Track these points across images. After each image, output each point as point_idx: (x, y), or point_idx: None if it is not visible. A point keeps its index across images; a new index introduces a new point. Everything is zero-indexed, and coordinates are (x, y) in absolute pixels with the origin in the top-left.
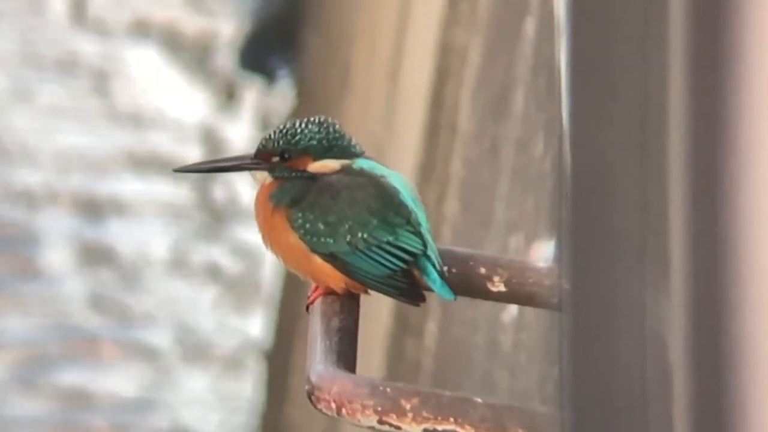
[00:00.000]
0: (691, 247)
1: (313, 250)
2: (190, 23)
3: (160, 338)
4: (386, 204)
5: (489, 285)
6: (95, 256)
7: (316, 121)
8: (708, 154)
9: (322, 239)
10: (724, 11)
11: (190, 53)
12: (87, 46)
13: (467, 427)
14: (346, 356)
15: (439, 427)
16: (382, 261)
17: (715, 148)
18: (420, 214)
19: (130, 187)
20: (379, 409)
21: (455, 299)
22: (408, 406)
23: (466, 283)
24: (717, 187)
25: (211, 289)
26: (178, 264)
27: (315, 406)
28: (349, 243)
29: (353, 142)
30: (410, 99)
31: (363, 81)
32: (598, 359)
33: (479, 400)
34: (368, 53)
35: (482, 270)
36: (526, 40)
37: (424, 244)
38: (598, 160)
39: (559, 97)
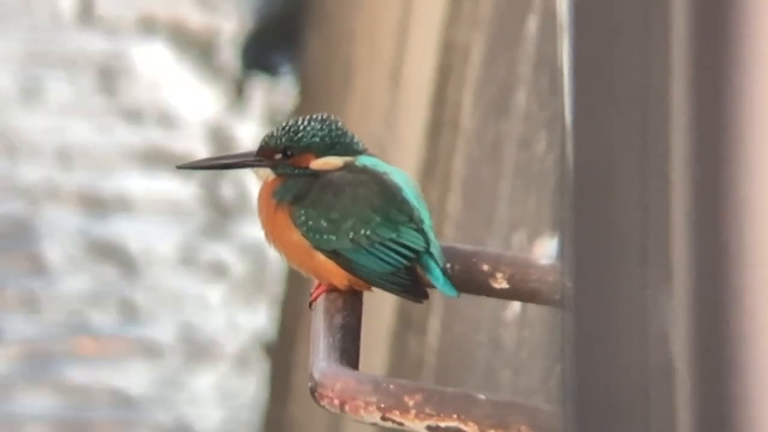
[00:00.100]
0: (693, 246)
1: (316, 247)
2: (197, 20)
3: (164, 335)
4: (389, 201)
5: (492, 282)
6: (101, 253)
7: (319, 118)
8: (710, 153)
9: (325, 236)
10: (726, 11)
11: (197, 50)
12: (94, 44)
13: (470, 423)
14: (349, 353)
15: (442, 424)
16: (385, 258)
17: (717, 147)
18: (423, 211)
19: (137, 184)
20: (382, 405)
21: (458, 296)
22: (411, 403)
23: (469, 280)
24: (719, 186)
25: (216, 287)
26: (185, 261)
27: (318, 403)
28: (351, 240)
29: (356, 139)
30: (412, 96)
31: (365, 78)
32: (600, 357)
33: (482, 396)
34: (370, 51)
35: (485, 267)
36: (529, 39)
37: (427, 241)
38: (601, 157)
39: (561, 95)
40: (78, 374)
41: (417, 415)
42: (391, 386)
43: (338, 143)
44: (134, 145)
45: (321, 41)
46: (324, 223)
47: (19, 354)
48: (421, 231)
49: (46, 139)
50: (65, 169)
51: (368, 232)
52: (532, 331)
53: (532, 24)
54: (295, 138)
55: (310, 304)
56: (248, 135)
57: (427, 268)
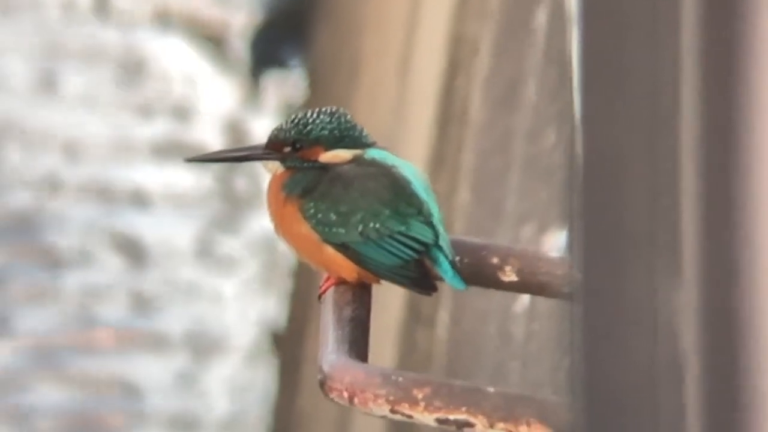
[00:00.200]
0: (703, 238)
1: (325, 240)
2: (211, 13)
3: (174, 328)
4: (398, 194)
5: (501, 275)
6: (115, 245)
7: (328, 111)
8: (720, 144)
9: (334, 229)
10: (735, 4)
11: (212, 44)
12: (109, 37)
13: (479, 416)
14: (358, 346)
15: (451, 417)
16: (394, 251)
17: (727, 138)
18: (432, 205)
19: (151, 176)
20: (391, 398)
21: (466, 289)
22: (420, 396)
23: (478, 272)
24: (729, 177)
25: (227, 280)
26: (197, 254)
27: (327, 396)
28: (360, 233)
29: (364, 132)
30: (421, 89)
31: (374, 72)
32: (609, 349)
33: (491, 389)
34: (379, 44)
35: (494, 260)
36: (538, 31)
37: (436, 235)
38: (610, 150)
39: (570, 88)
40: (89, 366)
41: (426, 408)
42: (400, 379)
43: (347, 136)
44: (148, 138)
45: (330, 34)
46: (333, 216)
47: (31, 346)
48: (430, 224)
49: (60, 132)
50: (79, 162)
51: (377, 225)
52: (541, 323)
53: (541, 17)
54: (304, 131)
55: (320, 297)
56: (263, 128)
57: (436, 261)
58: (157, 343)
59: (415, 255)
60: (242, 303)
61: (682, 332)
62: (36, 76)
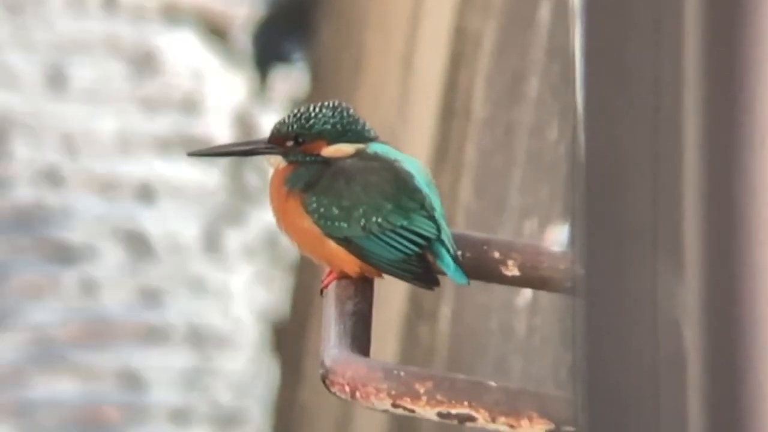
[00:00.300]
0: (705, 233)
1: (328, 235)
2: (220, 7)
3: (177, 321)
4: (400, 188)
5: (503, 269)
6: (123, 238)
7: (330, 105)
8: (722, 140)
9: (336, 224)
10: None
11: (221, 38)
12: (118, 31)
13: (481, 410)
14: (360, 340)
15: (453, 411)
16: (396, 245)
17: (730, 134)
18: (434, 199)
19: (160, 170)
20: (393, 392)
21: (468, 284)
22: (422, 390)
23: (480, 267)
24: (731, 173)
25: (229, 274)
26: (204, 248)
27: (329, 390)
28: (363, 227)
29: (367, 126)
30: (424, 84)
31: (377, 66)
32: (611, 344)
33: (493, 383)
34: (382, 38)
35: (496, 254)
36: (541, 26)
37: (438, 229)
38: (612, 145)
39: (573, 83)
40: (92, 360)
41: (428, 402)
42: (402, 373)
43: (350, 130)
44: (157, 132)
45: (333, 28)
46: (335, 211)
47: (36, 339)
48: (433, 218)
49: (70, 126)
50: (86, 156)
51: (380, 220)
52: (543, 318)
53: (544, 11)
54: (307, 125)
55: (322, 291)
56: (272, 122)
57: (438, 256)
58: (160, 336)
59: (417, 249)
60: (244, 297)
61: (683, 328)
62: (43, 70)
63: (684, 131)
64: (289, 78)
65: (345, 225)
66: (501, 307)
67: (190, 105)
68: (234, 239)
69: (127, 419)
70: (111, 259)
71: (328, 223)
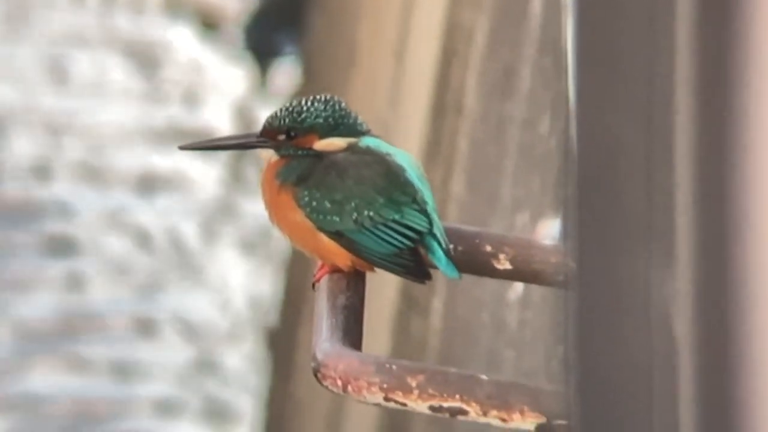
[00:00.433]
0: (697, 226)
1: (320, 228)
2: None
3: (169, 314)
4: (392, 182)
5: (495, 263)
6: (123, 230)
7: (322, 99)
8: (715, 133)
9: (329, 217)
10: None
11: (214, 30)
12: (119, 24)
13: (473, 404)
14: (352, 334)
15: (445, 404)
16: (388, 239)
17: (723, 127)
18: (426, 193)
19: (159, 163)
20: (385, 386)
21: (460, 278)
22: (414, 384)
23: (472, 260)
24: (724, 166)
25: (222, 267)
26: (202, 240)
27: (321, 384)
28: (355, 221)
29: (359, 120)
30: (416, 77)
31: (369, 59)
32: (603, 338)
33: (485, 377)
34: (374, 32)
35: (488, 248)
36: (533, 19)
37: (430, 223)
38: (605, 138)
39: (565, 76)
40: (85, 352)
41: (420, 396)
42: (394, 367)
43: (342, 124)
44: (157, 125)
45: (325, 22)
46: (327, 204)
47: (38, 332)
48: (425, 212)
49: (71, 120)
50: (87, 149)
51: (372, 213)
52: (535, 312)
53: (536, 5)
54: (299, 119)
55: (314, 285)
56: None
57: (430, 249)
58: (153, 330)
59: (409, 243)
60: (237, 291)
61: (675, 321)
62: (46, 64)
63: (676, 124)
64: (287, 71)
65: (337, 219)
66: (493, 300)
67: (190, 98)
68: (228, 232)
69: (118, 412)
70: (106, 251)
71: (320, 216)
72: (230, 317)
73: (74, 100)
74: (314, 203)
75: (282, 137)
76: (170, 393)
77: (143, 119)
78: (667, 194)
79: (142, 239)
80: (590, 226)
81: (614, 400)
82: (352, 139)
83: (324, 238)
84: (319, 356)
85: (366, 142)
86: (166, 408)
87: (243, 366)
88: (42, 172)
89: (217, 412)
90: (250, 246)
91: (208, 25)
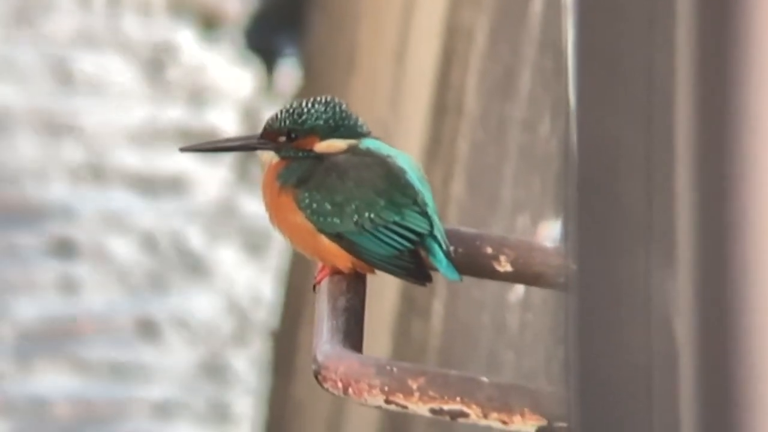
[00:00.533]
0: (698, 228)
1: (320, 230)
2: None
3: (169, 315)
4: (393, 184)
5: (496, 265)
6: (129, 230)
7: (323, 100)
8: (715, 134)
9: (329, 219)
10: None
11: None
12: (125, 26)
13: (473, 406)
14: (352, 336)
15: (446, 407)
16: (389, 241)
17: (722, 128)
18: (426, 194)
19: (167, 164)
20: (386, 388)
21: (461, 280)
22: (415, 386)
23: (472, 263)
24: (724, 167)
25: (223, 268)
26: (204, 241)
27: (322, 386)
28: (355, 223)
29: (360, 121)
30: (416, 79)
31: (369, 61)
32: (603, 340)
33: (485, 379)
34: (374, 33)
35: (489, 250)
36: (533, 20)
37: (431, 225)
38: (605, 140)
39: (565, 77)
40: (87, 353)
41: (420, 398)
42: (395, 369)
43: (342, 126)
44: (163, 126)
45: (325, 23)
46: (328, 206)
47: (40, 333)
48: (425, 214)
49: (75, 121)
50: (91, 150)
51: (372, 215)
52: (536, 314)
53: (536, 6)
54: (299, 121)
55: (314, 287)
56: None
57: (430, 251)
58: (153, 331)
59: (409, 245)
60: (237, 292)
61: (676, 322)
62: (52, 66)
63: (676, 124)
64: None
65: (337, 221)
66: (493, 302)
67: (196, 99)
68: (231, 234)
69: (119, 414)
70: (109, 253)
71: (321, 218)
72: (233, 319)
73: (78, 101)
74: (315, 205)
75: (282, 139)
76: (171, 395)
77: (148, 121)
78: (667, 195)
79: (146, 241)
80: (590, 228)
81: (614, 401)
82: (352, 141)
83: (324, 240)
84: (320, 358)
85: (366, 143)
86: (167, 410)
87: (244, 368)
88: (45, 173)
89: (217, 413)
90: (250, 247)
91: (210, 26)
